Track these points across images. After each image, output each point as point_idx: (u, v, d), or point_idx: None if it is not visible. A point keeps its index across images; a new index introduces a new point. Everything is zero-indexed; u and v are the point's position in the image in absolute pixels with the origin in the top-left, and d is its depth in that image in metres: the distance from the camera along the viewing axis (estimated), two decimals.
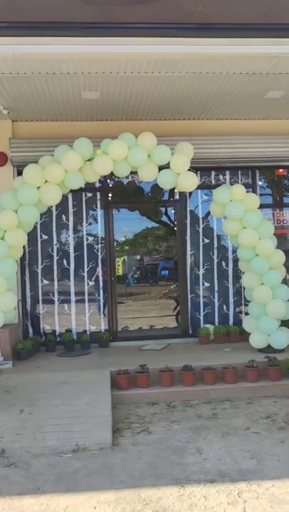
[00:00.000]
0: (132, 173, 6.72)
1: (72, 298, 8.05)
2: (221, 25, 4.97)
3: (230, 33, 5.01)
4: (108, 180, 8.21)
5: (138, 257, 31.17)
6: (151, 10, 4.88)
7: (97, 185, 8.09)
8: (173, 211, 11.31)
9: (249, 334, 7.14)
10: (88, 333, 8.00)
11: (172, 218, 16.08)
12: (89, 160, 6.31)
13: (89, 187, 8.05)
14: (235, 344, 7.64)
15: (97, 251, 8.11)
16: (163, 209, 11.66)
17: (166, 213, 16.34)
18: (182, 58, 5.28)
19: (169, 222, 16.98)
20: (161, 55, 5.16)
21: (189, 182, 6.58)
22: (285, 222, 8.64)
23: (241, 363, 6.27)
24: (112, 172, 6.54)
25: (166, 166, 6.61)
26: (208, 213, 8.20)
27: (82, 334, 7.88)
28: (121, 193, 8.49)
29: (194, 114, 7.69)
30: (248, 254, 7.00)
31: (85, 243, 8.09)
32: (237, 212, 6.90)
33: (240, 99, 7.04)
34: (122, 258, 34.04)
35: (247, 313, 8.17)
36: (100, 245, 8.11)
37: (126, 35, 4.89)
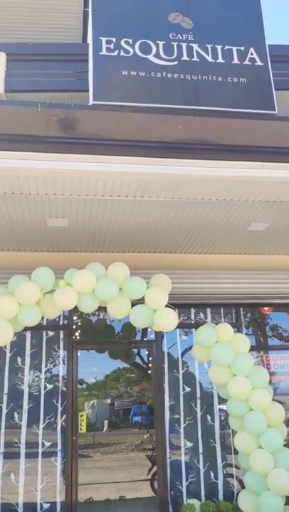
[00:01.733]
0: (100, 308, 5.74)
1: (22, 464, 6.37)
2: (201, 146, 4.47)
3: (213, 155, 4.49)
4: (75, 318, 7.18)
5: (108, 401, 28.79)
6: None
7: (62, 322, 7.02)
8: (147, 353, 10.14)
9: None
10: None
11: (145, 359, 14.81)
12: (50, 292, 5.33)
13: (52, 324, 6.97)
14: None
15: (57, 402, 6.69)
16: (134, 350, 10.43)
17: (138, 354, 15.08)
18: (156, 179, 4.68)
19: (141, 363, 15.63)
20: (134, 176, 4.55)
21: (168, 320, 5.59)
22: (275, 367, 7.57)
23: None
24: (76, 307, 5.52)
25: (141, 302, 5.68)
26: (187, 354, 7.12)
27: None
28: (89, 331, 7.42)
29: (173, 247, 7.05)
30: (240, 408, 5.76)
31: (43, 392, 6.70)
32: (225, 356, 5.83)
33: (222, 231, 6.47)
34: (92, 402, 31.48)
35: (241, 483, 6.63)
36: (60, 395, 6.72)
37: (95, 153, 4.31)
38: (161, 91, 4.30)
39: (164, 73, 4.34)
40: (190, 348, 6.79)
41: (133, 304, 5.64)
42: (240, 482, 6.75)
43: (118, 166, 4.28)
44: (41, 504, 6.25)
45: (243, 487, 6.65)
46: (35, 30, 7.94)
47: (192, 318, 7.40)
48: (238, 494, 6.55)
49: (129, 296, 5.49)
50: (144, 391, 24.86)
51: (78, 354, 7.07)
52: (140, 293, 5.50)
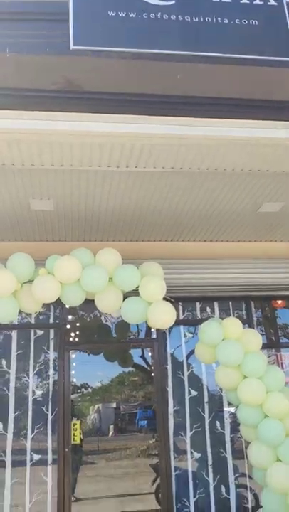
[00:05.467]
0: (94, 306, 4.99)
1: (8, 481, 5.64)
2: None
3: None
4: (69, 317, 6.47)
5: (114, 406, 28.11)
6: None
7: (52, 320, 6.31)
8: (150, 354, 9.40)
9: None
10: None
11: (150, 362, 14.05)
12: (28, 282, 4.59)
13: (40, 322, 6.26)
14: None
15: (47, 409, 5.97)
16: (138, 351, 9.65)
17: (142, 356, 14.33)
18: (150, 143, 3.93)
19: (146, 365, 14.88)
20: (121, 138, 3.82)
21: (165, 314, 4.82)
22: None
23: None
24: (60, 301, 4.77)
25: (134, 294, 4.94)
26: (193, 355, 6.38)
27: None
28: (83, 330, 6.70)
29: (172, 234, 6.31)
30: (254, 415, 5.00)
31: (31, 399, 5.97)
32: (233, 356, 5.07)
33: (228, 214, 5.74)
34: (96, 406, 30.86)
35: (256, 498, 5.88)
36: (50, 402, 5.99)
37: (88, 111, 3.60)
38: (156, 35, 3.60)
39: (158, 14, 3.64)
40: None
41: (125, 297, 4.89)
42: (256, 496, 6.01)
43: (103, 125, 3.58)
44: None
45: (257, 502, 5.93)
46: None
47: (198, 313, 6.65)
48: (253, 511, 5.84)
49: (121, 286, 4.73)
50: (149, 395, 24.17)
51: (71, 356, 6.35)
52: (133, 283, 4.74)
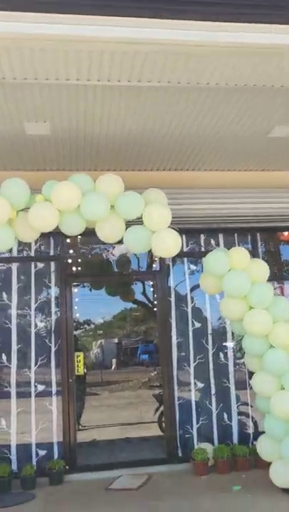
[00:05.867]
0: (89, 236, 4.75)
1: (13, 408, 5.71)
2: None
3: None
4: (70, 251, 6.29)
5: (116, 341, 28.85)
6: None
7: (53, 252, 6.13)
8: (152, 290, 9.32)
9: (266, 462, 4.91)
10: (35, 461, 5.59)
11: (151, 298, 14.10)
12: (24, 210, 4.34)
13: (41, 255, 6.09)
14: (245, 475, 5.33)
15: (50, 341, 5.94)
16: (139, 287, 9.59)
17: (144, 292, 14.35)
18: (150, 51, 3.53)
19: (147, 302, 14.94)
20: (120, 45, 3.42)
21: (170, 240, 4.59)
22: None
23: None
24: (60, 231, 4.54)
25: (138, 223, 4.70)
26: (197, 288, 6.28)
27: (25, 463, 5.47)
28: (84, 264, 6.55)
29: (176, 163, 5.98)
30: (259, 345, 4.95)
31: (33, 331, 5.92)
32: (240, 286, 4.94)
33: (235, 140, 5.38)
34: (99, 342, 31.74)
35: (256, 425, 5.99)
36: (53, 334, 5.95)
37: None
38: None
39: None
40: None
41: (127, 226, 4.66)
42: (256, 424, 6.13)
43: (96, 29, 3.18)
44: (37, 451, 5.66)
45: (257, 429, 6.06)
46: None
47: (202, 245, 6.45)
48: (254, 437, 5.96)
49: (123, 215, 4.48)
50: (151, 330, 24.68)
51: (73, 290, 6.24)
52: (137, 211, 4.48)
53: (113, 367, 25.19)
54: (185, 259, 6.40)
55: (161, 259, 6.24)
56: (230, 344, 6.30)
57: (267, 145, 5.58)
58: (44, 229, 4.32)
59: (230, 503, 4.49)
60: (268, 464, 4.89)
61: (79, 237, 6.82)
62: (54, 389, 5.82)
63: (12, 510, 4.68)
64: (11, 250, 5.89)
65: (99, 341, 30.03)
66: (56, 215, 4.26)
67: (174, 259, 6.35)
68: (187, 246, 6.37)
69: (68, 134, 5.01)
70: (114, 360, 26.49)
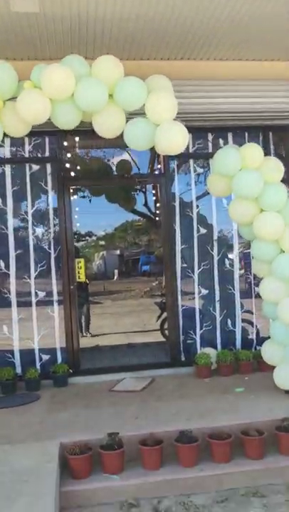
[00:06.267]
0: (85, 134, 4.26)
1: (15, 315, 5.63)
2: None
3: None
4: (68, 155, 5.83)
5: (118, 252, 29.11)
6: None
7: (48, 153, 5.68)
8: (154, 199, 8.90)
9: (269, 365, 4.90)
10: (38, 365, 5.62)
11: (152, 209, 13.76)
12: (12, 100, 3.83)
13: (38, 157, 5.65)
14: (248, 378, 5.36)
15: (50, 248, 5.70)
16: (141, 198, 9.15)
17: (145, 204, 13.96)
18: None
19: (148, 213, 14.61)
20: None
21: (176, 134, 4.11)
22: None
23: (267, 421, 3.98)
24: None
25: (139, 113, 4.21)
26: (205, 193, 5.92)
27: (29, 366, 5.50)
28: (84, 167, 6.13)
29: (184, 50, 5.31)
30: (269, 250, 4.71)
31: (31, 237, 5.66)
32: (252, 187, 4.57)
33: (250, 21, 4.69)
34: (102, 253, 31.95)
35: (258, 336, 5.96)
36: (52, 240, 5.69)
37: None
38: None
39: None
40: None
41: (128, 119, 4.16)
42: (258, 331, 6.10)
43: None
44: (40, 356, 5.66)
45: (259, 335, 6.04)
46: None
47: (209, 145, 5.96)
48: (257, 343, 5.94)
49: (124, 104, 3.96)
50: (152, 242, 24.71)
51: (72, 196, 5.88)
52: (139, 100, 3.95)
53: (115, 277, 25.61)
54: (191, 161, 5.95)
55: (166, 161, 5.81)
56: (234, 254, 6.09)
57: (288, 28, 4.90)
58: (34, 120, 3.84)
59: (233, 403, 4.51)
60: (272, 368, 4.87)
61: (77, 138, 6.37)
62: (55, 296, 5.69)
63: (18, 409, 4.74)
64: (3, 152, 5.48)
65: (101, 253, 30.35)
66: (48, 103, 3.75)
67: (178, 162, 5.93)
68: (193, 146, 5.90)
69: (60, 12, 4.33)
70: (116, 271, 26.85)
